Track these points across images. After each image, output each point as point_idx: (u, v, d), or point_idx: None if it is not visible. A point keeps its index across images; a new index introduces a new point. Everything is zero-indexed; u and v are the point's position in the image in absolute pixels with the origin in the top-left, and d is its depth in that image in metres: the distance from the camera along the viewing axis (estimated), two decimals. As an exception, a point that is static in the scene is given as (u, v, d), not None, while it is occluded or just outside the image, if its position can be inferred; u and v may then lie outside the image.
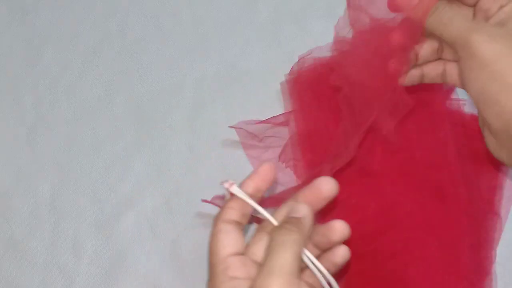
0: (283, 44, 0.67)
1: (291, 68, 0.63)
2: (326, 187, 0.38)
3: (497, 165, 0.57)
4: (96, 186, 0.62)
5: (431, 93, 0.60)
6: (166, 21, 0.70)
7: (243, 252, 0.36)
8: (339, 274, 0.55)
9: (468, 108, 0.59)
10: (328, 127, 0.59)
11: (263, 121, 0.60)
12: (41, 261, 0.60)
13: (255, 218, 0.40)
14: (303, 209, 0.36)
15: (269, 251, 0.34)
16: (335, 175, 0.51)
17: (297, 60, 0.64)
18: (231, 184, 0.38)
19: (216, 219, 0.38)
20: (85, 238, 0.60)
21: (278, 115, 0.60)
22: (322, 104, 0.60)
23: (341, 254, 0.39)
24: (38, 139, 0.65)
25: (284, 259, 0.33)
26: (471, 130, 0.58)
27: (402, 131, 0.58)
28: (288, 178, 0.59)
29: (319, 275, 0.38)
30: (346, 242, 0.42)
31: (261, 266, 0.33)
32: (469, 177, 0.56)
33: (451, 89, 0.60)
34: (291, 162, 0.59)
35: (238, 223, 0.37)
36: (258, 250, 0.36)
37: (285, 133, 0.60)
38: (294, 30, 0.67)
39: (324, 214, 0.52)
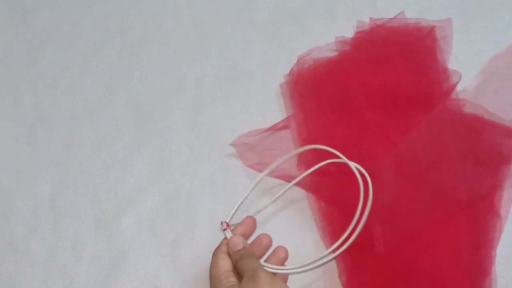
0: (283, 44, 0.67)
1: (291, 69, 0.63)
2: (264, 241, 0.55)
3: (497, 165, 0.57)
4: (96, 186, 0.62)
5: (431, 93, 0.60)
6: (166, 21, 0.70)
7: (231, 270, 0.52)
8: (344, 267, 0.55)
9: (468, 108, 0.59)
10: (329, 127, 0.59)
11: (263, 131, 0.60)
12: (41, 261, 0.60)
13: None
14: (239, 244, 0.53)
15: (244, 272, 0.49)
16: (343, 169, 0.52)
17: (296, 60, 0.64)
18: (226, 228, 0.54)
19: (216, 251, 0.53)
20: (85, 238, 0.60)
21: (278, 122, 0.60)
22: (322, 104, 0.61)
23: (283, 252, 0.55)
24: (38, 139, 0.65)
25: (252, 268, 0.49)
26: (471, 130, 0.58)
27: (402, 130, 0.58)
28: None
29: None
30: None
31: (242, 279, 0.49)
32: (469, 177, 0.56)
33: (451, 89, 0.60)
34: (301, 166, 0.59)
35: (228, 254, 0.53)
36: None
37: (284, 143, 0.60)
38: (294, 30, 0.67)
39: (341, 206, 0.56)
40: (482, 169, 0.57)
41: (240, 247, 0.53)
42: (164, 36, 0.69)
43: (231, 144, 0.61)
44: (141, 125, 0.65)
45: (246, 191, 0.57)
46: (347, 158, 0.54)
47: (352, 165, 0.53)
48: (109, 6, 0.71)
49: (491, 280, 0.53)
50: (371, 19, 0.65)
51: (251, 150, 0.61)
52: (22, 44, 0.70)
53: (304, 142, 0.59)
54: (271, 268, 0.53)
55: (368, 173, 0.53)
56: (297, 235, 0.58)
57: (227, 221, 0.55)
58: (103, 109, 0.66)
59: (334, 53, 0.64)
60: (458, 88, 0.61)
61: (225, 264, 0.52)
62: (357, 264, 0.55)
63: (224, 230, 0.54)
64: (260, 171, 0.58)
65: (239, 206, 0.56)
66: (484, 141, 0.57)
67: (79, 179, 0.63)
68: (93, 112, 0.66)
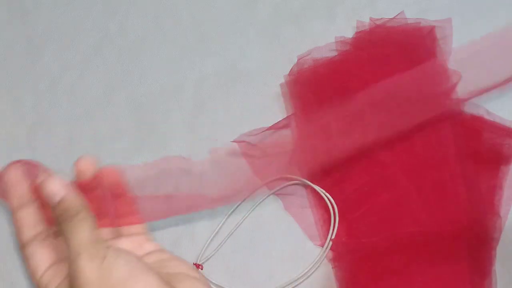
0: (283, 44, 0.67)
1: (291, 69, 0.63)
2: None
3: (497, 165, 0.57)
4: (96, 186, 0.62)
5: (431, 93, 0.60)
6: (166, 21, 0.70)
7: (57, 260, 0.37)
8: (343, 264, 0.55)
9: (468, 108, 0.59)
10: (329, 127, 0.59)
11: (265, 129, 0.60)
12: (41, 261, 0.60)
13: None
14: (58, 191, 0.35)
15: (67, 241, 0.34)
16: (347, 167, 0.53)
17: (296, 60, 0.64)
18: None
19: (20, 247, 0.38)
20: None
21: (279, 121, 0.60)
22: (322, 104, 0.61)
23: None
24: (38, 139, 0.65)
25: (81, 238, 0.33)
26: (471, 130, 0.58)
27: (403, 130, 0.58)
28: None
29: None
30: (356, 232, 0.50)
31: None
32: (469, 177, 0.56)
33: (451, 89, 0.60)
34: (302, 165, 0.59)
35: (38, 235, 0.38)
36: None
37: (287, 141, 0.60)
38: (294, 30, 0.67)
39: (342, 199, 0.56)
40: (482, 169, 0.57)
41: (58, 197, 0.35)
42: (164, 36, 0.69)
43: (233, 141, 0.60)
44: (141, 125, 0.65)
45: (218, 226, 0.58)
46: (349, 159, 0.54)
47: (321, 191, 0.55)
48: (109, 6, 0.71)
49: (491, 280, 0.53)
50: (371, 19, 0.65)
51: (254, 148, 0.60)
52: (22, 44, 0.70)
53: (304, 141, 0.59)
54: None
55: (369, 173, 0.53)
56: (297, 235, 0.58)
57: (197, 262, 0.53)
58: (103, 109, 0.66)
59: (334, 53, 0.64)
60: (458, 88, 0.61)
61: (39, 262, 0.35)
62: (353, 273, 0.55)
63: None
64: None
65: (208, 244, 0.56)
66: (484, 141, 0.58)
67: (79, 179, 0.63)
68: (93, 112, 0.66)
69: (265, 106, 0.64)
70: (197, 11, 0.70)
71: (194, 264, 0.56)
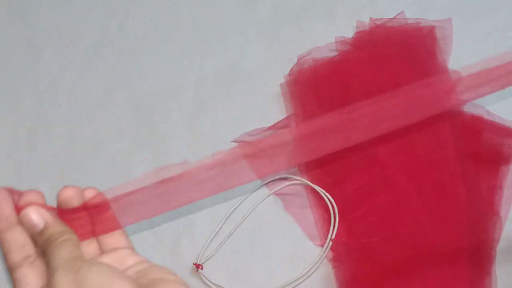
0: (283, 44, 0.67)
1: (291, 69, 0.63)
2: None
3: (497, 165, 0.57)
4: (96, 186, 0.62)
5: (431, 93, 0.60)
6: (166, 21, 0.70)
7: (46, 281, 0.36)
8: (343, 264, 0.55)
9: (468, 108, 0.59)
10: (329, 127, 0.59)
11: (265, 129, 0.60)
12: (41, 261, 0.60)
13: None
14: (38, 220, 0.36)
15: (49, 262, 0.34)
16: (347, 166, 0.53)
17: (296, 60, 0.64)
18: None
19: (8, 271, 0.37)
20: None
21: (279, 121, 0.60)
22: (322, 104, 0.61)
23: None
24: (38, 139, 0.65)
25: (60, 256, 0.34)
26: (471, 130, 0.58)
27: (403, 130, 0.58)
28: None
29: None
30: (356, 232, 0.49)
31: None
32: (469, 177, 0.56)
33: (451, 89, 0.60)
34: (302, 165, 0.59)
35: (26, 258, 0.36)
36: None
37: (287, 141, 0.60)
38: (294, 30, 0.67)
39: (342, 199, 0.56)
40: (482, 169, 0.57)
41: (41, 226, 0.35)
42: (164, 36, 0.69)
43: (233, 141, 0.60)
44: (141, 125, 0.65)
45: (217, 226, 0.57)
46: (349, 161, 0.54)
47: (321, 191, 0.55)
48: (109, 6, 0.71)
49: (491, 280, 0.53)
50: (371, 19, 0.65)
51: (254, 148, 0.60)
52: (22, 44, 0.70)
53: (304, 141, 0.59)
54: None
55: (370, 173, 0.53)
56: (297, 235, 0.58)
57: (197, 262, 0.53)
58: (103, 109, 0.66)
59: (334, 53, 0.64)
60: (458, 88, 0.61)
61: (29, 282, 0.35)
62: (353, 273, 0.55)
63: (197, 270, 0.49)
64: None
65: (208, 244, 0.56)
66: (484, 141, 0.58)
67: (79, 179, 0.63)
68: (93, 112, 0.66)
69: (265, 106, 0.64)
70: (197, 11, 0.70)
71: (194, 264, 0.56)
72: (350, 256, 0.55)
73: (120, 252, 0.40)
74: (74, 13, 0.71)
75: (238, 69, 0.66)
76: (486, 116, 0.58)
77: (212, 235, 0.57)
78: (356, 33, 0.65)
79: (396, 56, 0.61)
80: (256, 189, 0.59)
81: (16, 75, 0.69)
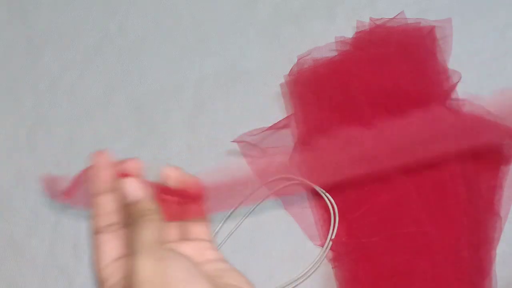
0: (283, 44, 0.67)
1: (291, 69, 0.63)
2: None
3: (497, 165, 0.57)
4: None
5: (431, 93, 0.60)
6: (166, 21, 0.70)
7: (124, 254, 0.36)
8: (343, 264, 0.55)
9: (468, 108, 0.59)
10: (329, 127, 0.59)
11: (265, 129, 0.60)
12: (41, 261, 0.60)
13: None
14: (135, 193, 0.36)
15: (132, 238, 0.34)
16: (347, 166, 0.53)
17: (296, 60, 0.64)
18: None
19: (91, 235, 0.38)
20: (85, 238, 0.60)
21: (279, 121, 0.60)
22: (322, 104, 0.61)
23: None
24: (38, 139, 0.65)
25: (144, 236, 0.34)
26: (471, 130, 0.58)
27: (403, 129, 0.58)
28: None
29: None
30: (356, 232, 0.49)
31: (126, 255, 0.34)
32: (469, 177, 0.56)
33: (451, 89, 0.60)
34: (302, 165, 0.59)
35: (110, 226, 0.37)
36: None
37: (287, 141, 0.60)
38: (294, 30, 0.67)
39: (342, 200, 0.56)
40: (482, 169, 0.57)
41: (133, 198, 0.36)
42: (164, 36, 0.69)
43: (233, 141, 0.60)
44: (141, 125, 0.65)
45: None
46: (349, 159, 0.54)
47: (321, 191, 0.55)
48: (109, 6, 0.71)
49: (491, 280, 0.53)
50: (371, 19, 0.65)
51: (254, 148, 0.61)
52: (22, 44, 0.70)
53: (304, 141, 0.59)
54: None
55: (370, 173, 0.53)
56: (297, 235, 0.58)
57: None
58: (103, 109, 0.66)
59: (334, 53, 0.64)
60: (458, 88, 0.61)
61: (104, 254, 0.36)
62: (353, 273, 0.55)
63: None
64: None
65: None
66: (484, 141, 0.57)
67: (79, 179, 0.63)
68: (93, 112, 0.66)
69: (265, 106, 0.64)
70: (197, 11, 0.70)
71: None
72: (350, 256, 0.55)
73: (202, 243, 0.40)
74: (74, 13, 0.71)
75: (238, 69, 0.66)
76: (486, 116, 0.58)
77: (212, 235, 0.57)
78: (356, 33, 0.65)
79: (396, 56, 0.61)
80: (256, 189, 0.59)
81: (16, 75, 0.69)
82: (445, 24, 0.64)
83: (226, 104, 0.65)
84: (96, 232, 0.37)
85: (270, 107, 0.63)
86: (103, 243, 0.36)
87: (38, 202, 0.62)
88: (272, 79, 0.64)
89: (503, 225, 0.56)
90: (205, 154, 0.63)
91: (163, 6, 0.70)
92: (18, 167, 0.64)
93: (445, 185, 0.55)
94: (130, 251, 0.34)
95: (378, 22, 0.64)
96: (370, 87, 0.60)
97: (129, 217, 0.35)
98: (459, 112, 0.59)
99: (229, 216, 0.58)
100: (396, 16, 0.65)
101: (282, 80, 0.64)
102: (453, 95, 0.60)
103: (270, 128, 0.60)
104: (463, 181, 0.55)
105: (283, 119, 0.61)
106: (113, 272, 0.35)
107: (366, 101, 0.59)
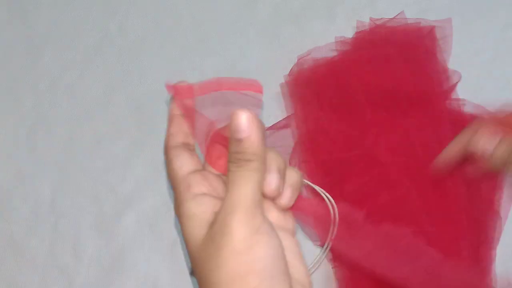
0: (283, 44, 0.67)
1: (291, 69, 0.63)
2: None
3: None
4: (96, 186, 0.62)
5: (431, 93, 0.60)
6: (166, 21, 0.70)
7: (202, 169, 0.34)
8: (345, 263, 0.55)
9: (468, 108, 0.59)
10: (329, 127, 0.59)
11: (265, 129, 0.60)
12: (41, 261, 0.60)
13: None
14: (245, 128, 0.32)
15: (229, 186, 0.31)
16: (347, 167, 0.53)
17: (296, 60, 0.64)
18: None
19: (165, 149, 0.35)
20: (85, 238, 0.60)
21: (279, 121, 0.60)
22: (322, 104, 0.61)
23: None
24: (38, 139, 0.65)
25: (244, 193, 0.31)
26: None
27: (403, 129, 0.58)
28: None
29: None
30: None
31: (222, 200, 0.31)
32: (469, 177, 0.56)
33: (451, 89, 0.60)
34: (302, 165, 0.59)
35: (186, 144, 0.35)
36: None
37: (287, 141, 0.60)
38: (294, 30, 0.67)
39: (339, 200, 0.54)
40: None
41: (244, 134, 0.31)
42: (164, 36, 0.69)
43: None
44: (141, 125, 0.65)
45: None
46: (349, 159, 0.54)
47: (321, 191, 0.53)
48: (109, 6, 0.71)
49: (491, 280, 0.53)
50: (371, 19, 0.65)
51: None
52: (22, 44, 0.70)
53: (304, 142, 0.59)
54: None
55: (369, 173, 0.53)
56: (297, 235, 0.58)
57: None
58: (103, 109, 0.66)
59: (334, 53, 0.64)
60: (458, 88, 0.61)
61: (182, 162, 0.33)
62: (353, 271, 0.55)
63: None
64: None
65: None
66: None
67: (79, 179, 0.63)
68: (93, 112, 0.66)
69: (265, 105, 0.64)
70: (197, 11, 0.70)
71: None
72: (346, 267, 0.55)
73: (288, 233, 0.37)
74: (74, 13, 0.71)
75: (238, 69, 0.66)
76: (486, 116, 0.58)
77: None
78: (356, 33, 0.65)
79: (396, 56, 0.61)
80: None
81: (16, 75, 0.69)
82: (445, 24, 0.64)
83: (226, 104, 0.64)
84: (170, 148, 0.35)
85: (270, 107, 0.63)
86: (178, 156, 0.34)
87: (38, 202, 0.62)
88: (272, 79, 0.64)
89: (503, 225, 0.56)
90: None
91: (163, 6, 0.70)
92: (18, 167, 0.64)
93: (445, 185, 0.55)
94: (223, 200, 0.31)
95: (378, 22, 0.64)
96: (370, 87, 0.60)
97: (231, 157, 0.31)
98: (459, 112, 0.59)
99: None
100: (396, 16, 0.65)
101: (282, 80, 0.64)
102: (453, 95, 0.60)
103: (270, 128, 0.60)
104: (463, 181, 0.55)
105: (283, 119, 0.61)
106: (197, 181, 0.32)
107: (366, 101, 0.59)
